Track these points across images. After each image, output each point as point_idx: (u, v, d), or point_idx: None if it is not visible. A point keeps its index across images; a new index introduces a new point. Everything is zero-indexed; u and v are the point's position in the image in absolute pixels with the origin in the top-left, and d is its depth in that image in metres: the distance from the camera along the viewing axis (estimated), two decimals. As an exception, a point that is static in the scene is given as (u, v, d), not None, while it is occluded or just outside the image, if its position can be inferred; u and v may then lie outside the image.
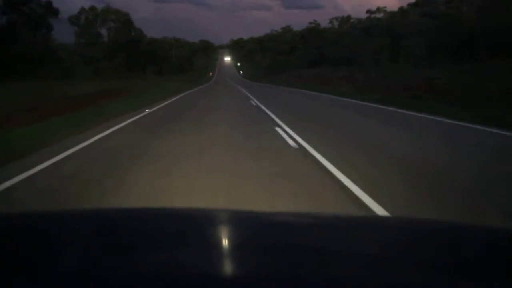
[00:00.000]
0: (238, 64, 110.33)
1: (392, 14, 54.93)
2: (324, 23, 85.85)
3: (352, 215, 2.64)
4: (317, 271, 0.70)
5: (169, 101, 18.83)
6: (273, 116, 11.52)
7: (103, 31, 61.50)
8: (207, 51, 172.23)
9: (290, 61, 62.49)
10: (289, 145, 6.91)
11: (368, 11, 61.34)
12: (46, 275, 0.67)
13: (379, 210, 3.54)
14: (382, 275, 0.70)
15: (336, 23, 74.94)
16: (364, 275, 0.69)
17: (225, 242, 0.93)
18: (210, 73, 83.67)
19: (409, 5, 50.99)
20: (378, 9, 60.56)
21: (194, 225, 1.04)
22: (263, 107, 14.85)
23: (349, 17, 76.30)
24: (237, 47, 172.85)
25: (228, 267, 0.74)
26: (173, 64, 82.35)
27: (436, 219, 1.76)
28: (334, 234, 0.99)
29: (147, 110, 13.62)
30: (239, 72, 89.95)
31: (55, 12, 43.51)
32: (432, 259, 0.79)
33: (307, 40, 70.35)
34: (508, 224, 3.25)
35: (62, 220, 1.10)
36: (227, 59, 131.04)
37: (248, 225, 1.06)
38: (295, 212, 2.26)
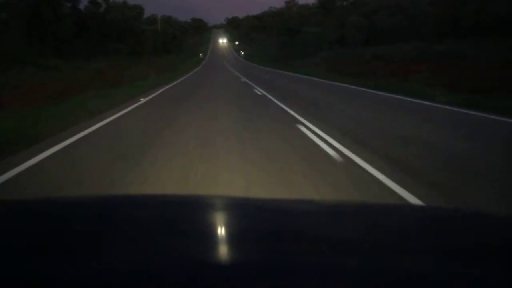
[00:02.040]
0: (236, 42, 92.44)
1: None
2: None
3: (350, 200, 2.67)
4: (313, 259, 0.69)
5: None
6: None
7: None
8: (200, 30, 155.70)
9: (309, 38, 45.81)
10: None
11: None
12: (40, 263, 0.66)
13: None
14: (378, 262, 0.69)
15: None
16: (358, 262, 0.68)
17: (218, 229, 0.91)
18: (200, 54, 67.21)
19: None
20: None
21: (190, 212, 1.03)
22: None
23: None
24: (232, 26, 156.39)
25: (221, 254, 0.73)
26: (155, 43, 66.22)
27: (437, 205, 1.67)
28: (332, 221, 0.98)
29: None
30: (239, 53, 72.76)
31: None
32: (430, 246, 0.78)
33: (331, 9, 53.21)
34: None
35: (55, 207, 1.10)
36: (223, 40, 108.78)
37: (244, 212, 1.05)
38: (293, 199, 2.15)
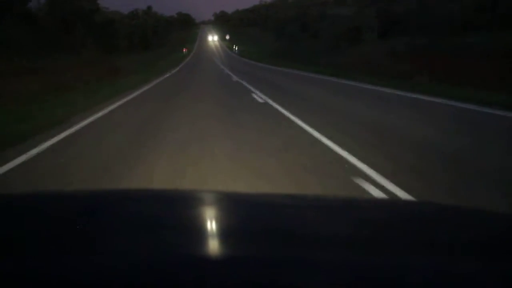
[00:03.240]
0: (227, 37, 79.24)
1: None
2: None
3: (346, 196, 2.59)
4: (302, 254, 0.68)
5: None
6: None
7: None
8: (187, 25, 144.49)
9: (339, 25, 34.77)
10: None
11: None
12: (35, 258, 0.66)
13: None
14: (374, 257, 0.68)
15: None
16: (354, 257, 0.67)
17: (206, 224, 0.91)
18: (184, 49, 54.63)
19: None
20: None
21: (183, 207, 1.03)
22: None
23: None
24: (221, 20, 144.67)
25: (210, 249, 0.72)
26: (132, 38, 55.12)
27: (435, 201, 1.58)
28: (327, 216, 0.97)
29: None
30: (232, 48, 60.61)
31: None
32: (427, 241, 0.78)
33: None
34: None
35: (50, 201, 1.10)
36: (213, 37, 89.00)
37: (233, 207, 1.05)
38: (288, 194, 2.15)
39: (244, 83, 14.68)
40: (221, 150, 4.71)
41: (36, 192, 1.94)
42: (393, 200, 2.67)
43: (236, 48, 56.64)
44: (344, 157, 4.34)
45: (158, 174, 3.79)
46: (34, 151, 4.68)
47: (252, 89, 12.27)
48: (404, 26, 24.40)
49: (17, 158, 4.38)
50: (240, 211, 0.98)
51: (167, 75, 21.51)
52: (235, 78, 17.61)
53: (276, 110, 7.96)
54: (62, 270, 0.61)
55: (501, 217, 1.06)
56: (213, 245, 0.73)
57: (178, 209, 1.00)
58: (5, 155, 4.47)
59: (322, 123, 6.20)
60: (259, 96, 10.33)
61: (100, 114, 7.62)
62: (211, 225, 0.87)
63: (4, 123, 6.20)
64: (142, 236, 0.76)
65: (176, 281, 0.57)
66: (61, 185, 3.51)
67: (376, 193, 3.22)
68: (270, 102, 9.05)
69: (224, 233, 0.80)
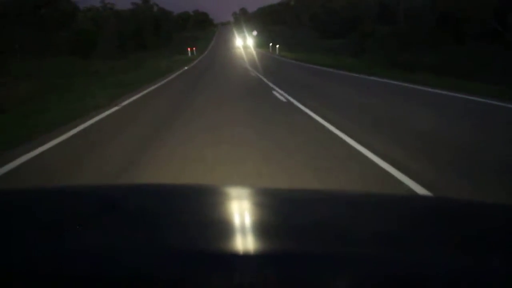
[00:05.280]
0: (254, 33, 48.56)
1: None
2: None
3: (366, 192, 2.41)
4: (319, 249, 0.68)
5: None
6: None
7: None
8: (203, 24, 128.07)
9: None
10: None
11: None
12: (43, 254, 0.65)
13: None
14: (391, 253, 0.68)
15: None
16: (365, 253, 0.67)
17: (222, 219, 0.89)
18: (189, 49, 34.72)
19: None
20: None
21: (203, 202, 1.02)
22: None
23: None
24: (242, 20, 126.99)
25: (236, 245, 0.71)
26: (120, 36, 38.14)
27: (446, 196, 1.60)
28: (337, 211, 0.97)
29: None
30: (267, 47, 40.62)
31: None
32: (438, 237, 0.78)
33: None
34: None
35: (58, 196, 1.09)
36: (244, 41, 50.83)
37: (249, 202, 1.05)
38: (296, 189, 2.11)
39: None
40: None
41: (37, 187, 1.76)
42: (409, 195, 2.75)
43: (277, 47, 36.55)
44: None
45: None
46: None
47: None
48: None
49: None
50: (255, 207, 0.97)
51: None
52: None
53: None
54: (63, 264, 0.60)
55: None
56: (232, 243, 0.71)
57: (200, 204, 0.98)
58: None
59: None
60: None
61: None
62: (226, 222, 0.85)
63: None
64: (160, 233, 0.74)
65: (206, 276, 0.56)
66: None
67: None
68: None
69: (241, 229, 0.79)
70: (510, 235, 0.79)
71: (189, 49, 30.63)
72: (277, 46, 36.95)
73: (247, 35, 49.03)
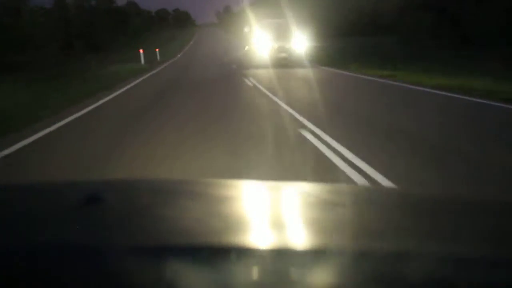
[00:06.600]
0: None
1: None
2: None
3: (355, 185, 2.64)
4: (319, 243, 0.68)
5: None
6: None
7: None
8: (184, 23, 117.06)
9: None
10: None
11: None
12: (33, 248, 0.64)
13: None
14: (376, 246, 0.67)
15: None
16: (361, 246, 0.66)
17: (214, 213, 0.88)
18: (141, 50, 18.81)
19: None
20: None
21: (198, 195, 1.01)
22: None
23: None
24: (225, 21, 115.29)
25: (231, 238, 0.71)
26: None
27: (436, 192, 1.66)
28: (318, 204, 0.97)
29: None
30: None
31: None
32: (428, 230, 0.79)
33: None
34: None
35: (50, 191, 1.09)
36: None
37: (236, 195, 1.06)
38: (292, 182, 2.00)
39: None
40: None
41: (33, 183, 1.76)
42: (379, 187, 2.76)
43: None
44: None
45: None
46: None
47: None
48: None
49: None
50: (241, 200, 0.99)
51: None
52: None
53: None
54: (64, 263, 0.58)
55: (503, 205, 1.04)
56: (235, 235, 0.71)
57: (194, 197, 0.98)
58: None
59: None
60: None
61: None
62: (218, 215, 0.84)
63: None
64: (157, 225, 0.74)
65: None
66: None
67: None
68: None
69: (244, 223, 0.80)
70: (484, 223, 0.81)
71: (141, 51, 18.90)
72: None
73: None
